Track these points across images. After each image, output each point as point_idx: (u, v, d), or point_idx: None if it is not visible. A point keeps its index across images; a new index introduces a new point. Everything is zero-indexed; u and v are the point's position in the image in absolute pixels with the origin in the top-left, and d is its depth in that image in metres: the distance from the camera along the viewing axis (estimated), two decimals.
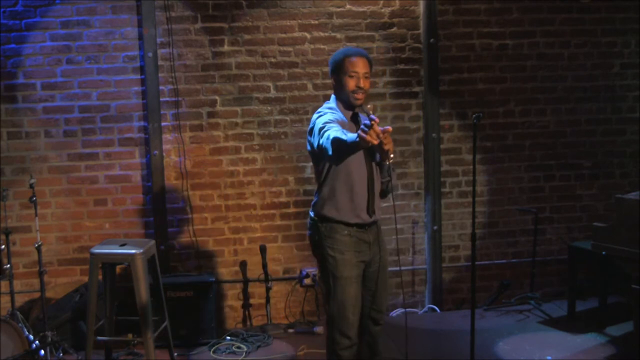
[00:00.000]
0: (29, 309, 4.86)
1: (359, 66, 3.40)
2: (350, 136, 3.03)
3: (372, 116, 2.84)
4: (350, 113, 3.49)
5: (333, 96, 3.55)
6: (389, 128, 2.93)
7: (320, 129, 3.29)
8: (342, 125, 3.35)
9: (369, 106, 3.18)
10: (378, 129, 2.82)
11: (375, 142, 2.83)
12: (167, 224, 5.13)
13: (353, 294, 3.47)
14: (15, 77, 4.94)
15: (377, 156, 3.45)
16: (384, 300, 3.69)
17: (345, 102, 3.47)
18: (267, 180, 5.25)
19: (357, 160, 3.38)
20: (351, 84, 3.41)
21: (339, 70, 3.45)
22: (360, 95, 3.42)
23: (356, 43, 5.23)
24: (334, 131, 3.15)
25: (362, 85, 3.40)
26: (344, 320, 3.46)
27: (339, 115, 3.43)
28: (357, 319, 3.51)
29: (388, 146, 3.10)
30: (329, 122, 3.29)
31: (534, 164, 5.58)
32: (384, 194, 3.62)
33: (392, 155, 3.22)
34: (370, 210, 3.47)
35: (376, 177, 3.51)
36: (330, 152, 3.16)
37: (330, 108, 3.50)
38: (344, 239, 3.45)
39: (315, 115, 3.48)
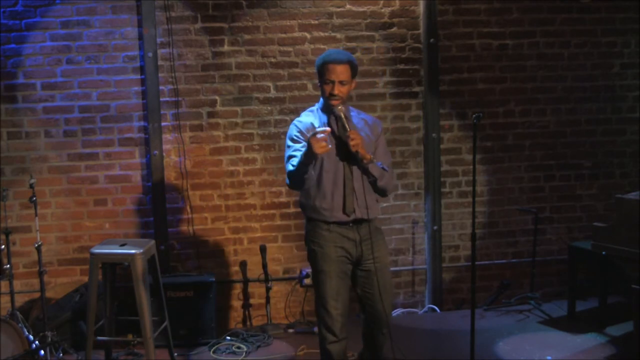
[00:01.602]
0: (29, 309, 4.85)
1: (335, 73, 3.48)
2: (297, 160, 3.41)
3: (318, 129, 3.28)
4: (326, 118, 3.60)
5: (321, 98, 3.66)
6: (327, 129, 3.30)
7: (287, 159, 3.57)
8: (310, 131, 3.52)
9: (339, 107, 3.47)
10: (317, 137, 3.22)
11: (320, 151, 3.21)
12: (167, 224, 5.13)
13: (334, 288, 3.54)
14: (15, 77, 4.94)
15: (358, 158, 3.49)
16: (385, 304, 3.64)
17: (327, 105, 3.59)
18: (267, 180, 5.25)
19: (330, 164, 3.51)
20: (326, 90, 3.51)
21: (319, 74, 3.57)
22: (334, 101, 3.51)
23: (356, 43, 5.23)
24: (290, 166, 3.49)
25: (335, 92, 3.48)
26: (326, 315, 3.54)
27: (307, 124, 3.59)
28: (340, 314, 3.54)
29: (355, 148, 3.35)
30: (290, 155, 3.53)
31: (534, 164, 5.58)
32: (380, 193, 3.66)
33: (368, 156, 3.43)
34: (347, 210, 3.53)
35: (357, 177, 3.55)
36: (295, 187, 3.54)
37: (310, 111, 3.70)
38: (324, 233, 3.58)
39: (289, 128, 3.65)
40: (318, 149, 3.22)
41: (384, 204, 5.38)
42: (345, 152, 3.50)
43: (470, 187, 5.31)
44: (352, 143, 3.36)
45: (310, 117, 3.64)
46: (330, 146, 3.30)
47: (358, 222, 3.58)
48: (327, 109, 3.59)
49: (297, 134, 3.56)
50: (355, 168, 3.54)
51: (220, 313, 5.06)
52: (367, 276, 3.62)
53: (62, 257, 5.07)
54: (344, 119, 3.44)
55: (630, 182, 5.66)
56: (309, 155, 3.29)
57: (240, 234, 5.25)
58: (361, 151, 3.39)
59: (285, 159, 3.58)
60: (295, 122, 3.65)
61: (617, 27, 5.57)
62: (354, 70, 3.55)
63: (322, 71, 3.51)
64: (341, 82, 3.48)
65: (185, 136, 5.13)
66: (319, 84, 3.60)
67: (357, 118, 3.66)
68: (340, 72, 3.48)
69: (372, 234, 3.61)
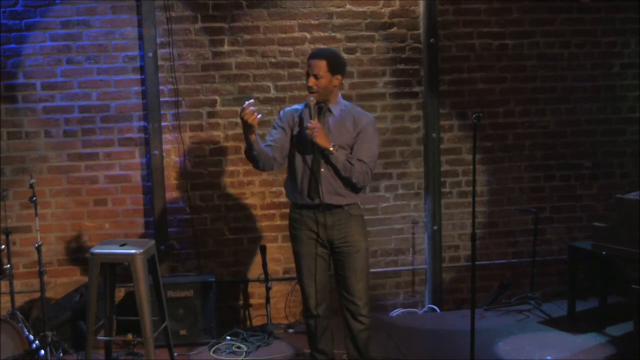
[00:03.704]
0: (29, 309, 4.86)
1: (311, 67, 3.80)
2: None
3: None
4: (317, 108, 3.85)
5: None
6: (251, 101, 3.58)
7: None
8: (300, 120, 3.85)
9: (311, 99, 3.75)
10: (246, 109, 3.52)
11: (247, 120, 3.51)
12: (167, 224, 5.13)
13: (305, 267, 3.87)
14: (15, 77, 4.94)
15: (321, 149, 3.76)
16: (355, 289, 3.83)
17: None
18: (267, 180, 5.25)
19: (301, 150, 3.82)
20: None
21: None
22: (310, 92, 3.78)
23: (356, 43, 5.23)
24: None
25: (309, 84, 3.79)
26: (302, 292, 3.92)
27: (288, 112, 3.93)
28: (313, 291, 3.86)
29: (310, 135, 3.65)
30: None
31: (534, 164, 5.58)
32: (348, 185, 3.81)
33: (327, 144, 3.68)
34: (311, 194, 3.78)
35: (325, 166, 3.77)
36: (255, 166, 3.82)
37: (300, 105, 3.98)
38: (295, 216, 3.90)
39: None
40: (249, 117, 3.51)
41: (384, 204, 5.39)
42: (311, 145, 3.78)
43: (470, 187, 5.31)
44: (309, 131, 3.67)
45: (297, 108, 3.95)
46: (259, 116, 3.57)
47: (327, 207, 3.78)
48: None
49: (277, 121, 3.93)
50: (320, 159, 3.78)
51: (220, 313, 5.06)
52: (338, 259, 3.86)
53: (62, 257, 5.07)
54: (312, 109, 3.74)
55: (630, 182, 5.66)
56: (244, 128, 3.59)
57: (240, 234, 5.25)
58: (318, 140, 3.67)
59: None
60: (283, 109, 4.02)
61: (617, 27, 5.57)
62: (332, 66, 3.79)
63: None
64: (315, 76, 3.76)
65: (185, 136, 5.13)
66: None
67: (343, 111, 3.87)
68: (315, 66, 3.77)
69: (344, 220, 3.80)
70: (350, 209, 3.84)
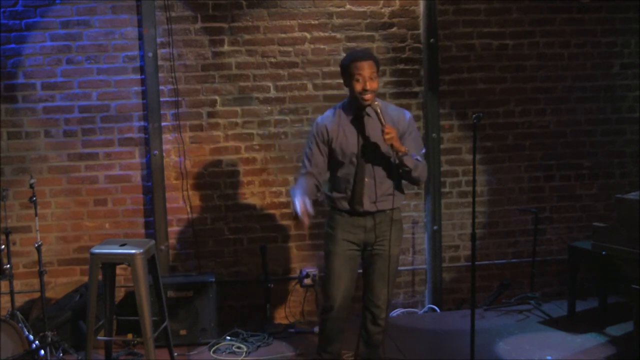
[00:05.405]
0: (29, 309, 4.85)
1: (365, 70, 3.64)
2: (294, 200, 3.60)
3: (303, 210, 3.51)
4: (351, 116, 3.77)
5: (349, 96, 3.82)
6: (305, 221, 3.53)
7: (304, 155, 3.88)
8: (334, 131, 3.76)
9: (376, 102, 3.66)
10: (304, 219, 3.50)
11: (305, 221, 3.52)
12: (167, 224, 5.13)
13: (336, 268, 3.81)
14: (15, 77, 4.94)
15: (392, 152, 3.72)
16: (381, 293, 3.83)
17: (356, 103, 3.73)
18: (267, 180, 5.25)
19: (345, 159, 3.76)
20: (358, 87, 3.66)
21: (346, 74, 3.73)
22: (368, 96, 3.67)
23: (356, 43, 5.23)
24: (296, 187, 3.75)
25: (368, 87, 3.65)
26: (326, 292, 3.86)
27: (322, 126, 3.79)
28: (339, 294, 3.80)
29: (389, 142, 3.59)
30: (305, 153, 3.85)
31: (534, 164, 5.58)
32: (414, 183, 3.88)
33: (403, 148, 3.64)
34: (356, 203, 3.75)
35: (369, 173, 3.73)
36: None
37: (331, 110, 3.87)
38: (336, 217, 3.85)
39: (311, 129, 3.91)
40: (301, 219, 3.52)
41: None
42: (366, 147, 3.72)
43: (470, 187, 5.31)
44: (386, 137, 3.57)
45: (328, 119, 3.82)
46: (306, 222, 3.56)
47: (367, 212, 3.77)
48: (354, 107, 3.75)
49: (312, 138, 3.83)
50: (368, 164, 3.73)
51: (220, 313, 5.05)
52: (370, 261, 3.84)
53: (62, 257, 5.07)
54: (380, 114, 3.63)
55: (630, 182, 5.66)
56: (295, 209, 3.56)
57: (240, 234, 5.25)
58: (395, 144, 3.61)
59: (303, 154, 3.90)
60: (315, 122, 3.89)
61: (617, 27, 5.57)
62: (378, 67, 3.73)
63: (351, 70, 3.67)
64: (371, 78, 3.65)
65: (185, 136, 5.13)
66: (345, 84, 3.77)
67: (386, 113, 3.76)
68: (369, 67, 3.65)
69: (384, 223, 3.78)
70: (392, 213, 3.82)
